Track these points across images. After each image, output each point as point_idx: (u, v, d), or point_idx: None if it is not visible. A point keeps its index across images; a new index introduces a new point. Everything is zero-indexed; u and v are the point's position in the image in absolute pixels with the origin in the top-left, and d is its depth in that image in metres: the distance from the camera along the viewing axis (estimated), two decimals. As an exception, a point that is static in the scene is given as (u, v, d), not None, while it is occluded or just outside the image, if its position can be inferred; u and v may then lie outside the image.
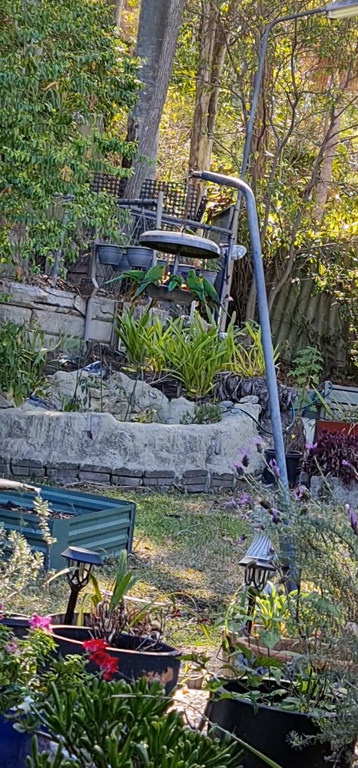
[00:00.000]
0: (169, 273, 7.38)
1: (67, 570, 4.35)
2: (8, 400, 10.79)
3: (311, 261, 18.68)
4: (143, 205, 14.49)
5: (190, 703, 4.39)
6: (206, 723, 3.37)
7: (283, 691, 3.45)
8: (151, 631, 4.18)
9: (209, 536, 8.66)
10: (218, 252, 6.43)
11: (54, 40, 10.52)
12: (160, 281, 6.37)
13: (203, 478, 10.89)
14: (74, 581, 4.30)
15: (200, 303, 14.31)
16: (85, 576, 4.30)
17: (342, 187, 21.29)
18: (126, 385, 11.84)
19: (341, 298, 18.54)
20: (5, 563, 4.22)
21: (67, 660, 3.02)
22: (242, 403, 12.23)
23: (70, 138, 10.63)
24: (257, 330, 12.84)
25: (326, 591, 3.41)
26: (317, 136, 22.23)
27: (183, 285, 6.65)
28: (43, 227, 9.73)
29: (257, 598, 4.46)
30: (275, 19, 17.44)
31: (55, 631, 3.64)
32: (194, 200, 16.71)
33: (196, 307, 14.12)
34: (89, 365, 12.36)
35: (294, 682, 3.45)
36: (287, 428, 12.03)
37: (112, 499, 8.50)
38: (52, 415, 10.59)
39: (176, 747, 2.30)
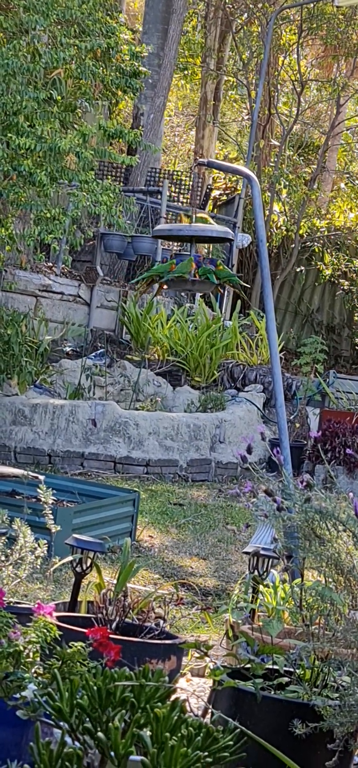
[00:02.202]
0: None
1: (70, 558, 4.36)
2: (12, 388, 10.80)
3: (316, 250, 18.65)
4: (148, 193, 14.47)
5: (193, 691, 4.39)
6: (209, 711, 3.38)
7: (286, 679, 3.45)
8: (155, 619, 4.18)
9: (212, 525, 8.66)
10: (231, 236, 6.41)
11: (59, 27, 10.49)
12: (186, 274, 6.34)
13: (207, 467, 10.89)
14: (78, 569, 4.30)
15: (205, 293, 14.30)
16: (89, 564, 4.30)
17: (348, 175, 21.25)
18: (130, 374, 11.84)
19: (346, 287, 18.53)
20: (9, 551, 4.22)
21: (70, 647, 3.02)
22: (247, 391, 12.22)
23: (75, 126, 10.61)
24: (261, 319, 12.83)
25: (330, 579, 3.41)
26: (322, 124, 22.16)
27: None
28: (48, 215, 9.72)
29: (261, 587, 4.46)
30: (281, 6, 17.39)
31: (59, 618, 3.64)
32: (199, 188, 16.67)
33: (200, 296, 14.10)
34: (94, 353, 12.36)
35: (297, 671, 3.45)
36: (292, 417, 12.03)
37: (116, 488, 8.51)
38: (56, 403, 10.60)
39: (179, 734, 2.30)
